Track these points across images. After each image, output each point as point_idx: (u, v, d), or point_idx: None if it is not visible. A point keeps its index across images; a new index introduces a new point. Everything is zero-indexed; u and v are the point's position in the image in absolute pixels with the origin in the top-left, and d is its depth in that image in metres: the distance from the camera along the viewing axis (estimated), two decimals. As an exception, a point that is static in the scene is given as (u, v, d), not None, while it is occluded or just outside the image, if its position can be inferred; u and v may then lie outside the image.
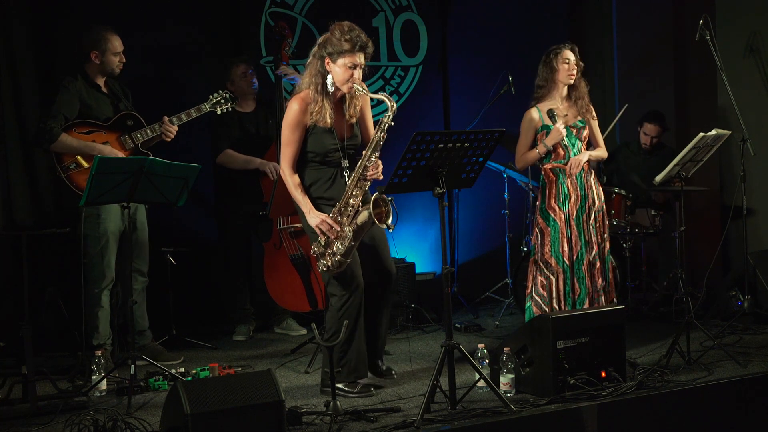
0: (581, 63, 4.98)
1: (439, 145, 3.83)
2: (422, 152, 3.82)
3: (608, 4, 7.45)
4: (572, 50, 4.95)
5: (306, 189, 4.25)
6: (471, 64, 7.05)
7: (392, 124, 4.11)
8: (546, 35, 6.64)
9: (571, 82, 4.93)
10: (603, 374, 4.18)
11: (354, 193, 4.12)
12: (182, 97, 5.89)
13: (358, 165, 4.14)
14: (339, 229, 4.11)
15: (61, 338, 5.25)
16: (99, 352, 4.59)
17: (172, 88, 5.92)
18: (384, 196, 4.06)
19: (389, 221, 4.08)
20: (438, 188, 3.90)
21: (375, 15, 6.74)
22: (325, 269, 4.18)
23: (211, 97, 5.24)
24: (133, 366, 4.28)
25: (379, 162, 4.15)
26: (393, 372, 4.56)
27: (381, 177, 4.14)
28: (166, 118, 5.08)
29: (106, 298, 5.02)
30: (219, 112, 5.27)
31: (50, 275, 5.46)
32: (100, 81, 5.11)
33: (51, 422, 3.90)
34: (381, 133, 4.10)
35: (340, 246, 4.11)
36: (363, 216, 4.08)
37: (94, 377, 4.43)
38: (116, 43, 5.06)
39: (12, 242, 5.39)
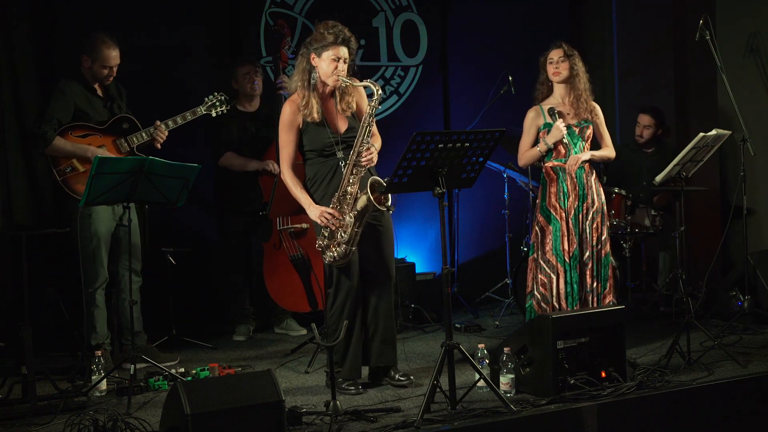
0: (574, 60, 4.94)
1: (439, 145, 3.84)
2: (422, 152, 3.82)
3: (608, 4, 7.44)
4: (560, 48, 4.96)
5: (308, 182, 4.34)
6: (471, 64, 7.05)
7: (379, 107, 4.27)
8: (546, 35, 6.64)
9: (557, 80, 4.96)
10: (603, 374, 4.18)
11: (351, 180, 4.20)
12: (182, 97, 5.89)
13: (351, 152, 4.20)
14: (340, 217, 4.16)
15: (61, 338, 5.26)
16: (99, 352, 4.59)
17: (171, 88, 5.92)
18: (380, 179, 4.12)
19: (388, 203, 4.15)
20: (438, 188, 3.90)
21: (375, 15, 6.74)
22: (331, 260, 4.24)
23: (206, 99, 5.22)
24: (132, 366, 4.28)
25: (373, 146, 4.22)
26: (405, 378, 4.39)
27: (375, 162, 4.22)
28: (158, 123, 5.05)
29: (102, 297, 5.01)
30: (214, 114, 5.24)
31: (50, 275, 5.45)
32: (95, 83, 5.08)
33: (51, 422, 3.90)
34: (369, 117, 4.19)
35: (343, 234, 4.17)
36: (362, 201, 4.14)
37: (94, 377, 4.43)
38: (109, 56, 4.98)
39: (12, 242, 5.39)
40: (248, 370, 4.78)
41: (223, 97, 5.26)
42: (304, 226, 5.50)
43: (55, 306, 5.30)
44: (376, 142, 4.32)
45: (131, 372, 4.26)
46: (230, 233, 5.84)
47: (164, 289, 5.62)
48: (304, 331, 5.81)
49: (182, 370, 4.61)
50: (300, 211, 4.78)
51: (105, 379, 4.42)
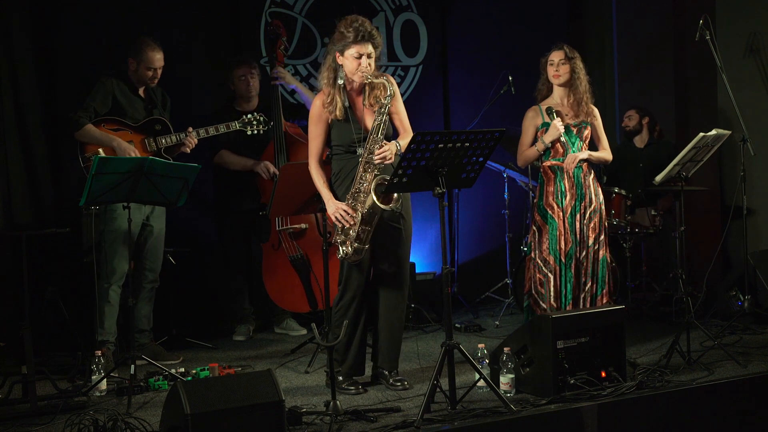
0: (575, 63, 4.94)
1: (439, 145, 3.83)
2: (422, 152, 3.81)
3: (608, 4, 7.44)
4: (561, 50, 4.96)
5: (332, 177, 4.34)
6: (471, 64, 7.05)
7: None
8: (546, 35, 6.65)
9: (557, 82, 4.96)
10: (603, 374, 4.18)
11: (364, 177, 4.17)
12: (182, 98, 5.89)
13: (364, 149, 4.19)
14: (354, 215, 4.16)
15: (61, 338, 5.25)
16: (99, 352, 4.59)
17: (172, 88, 5.91)
18: (386, 178, 4.09)
19: (396, 204, 4.12)
20: (438, 188, 3.90)
21: (375, 15, 6.74)
22: (343, 256, 4.23)
23: (244, 117, 5.33)
24: (133, 366, 4.28)
25: (386, 144, 4.17)
26: (399, 384, 4.39)
27: (391, 160, 4.16)
28: (191, 129, 5.16)
29: (115, 294, 5.03)
30: (249, 132, 5.34)
31: (50, 275, 5.45)
32: (141, 87, 5.21)
33: (51, 422, 3.90)
34: (381, 116, 4.18)
35: (353, 232, 4.17)
36: (369, 200, 4.13)
37: (94, 377, 4.43)
38: (153, 58, 5.14)
39: (12, 242, 5.39)
40: (248, 370, 4.78)
41: (262, 118, 5.36)
42: (303, 226, 5.50)
43: (55, 306, 5.30)
44: (404, 140, 4.25)
45: (131, 372, 4.26)
46: (230, 233, 5.84)
47: (164, 289, 5.61)
48: (304, 331, 5.81)
49: (182, 370, 4.61)
50: (300, 211, 4.80)
51: (105, 379, 4.42)
